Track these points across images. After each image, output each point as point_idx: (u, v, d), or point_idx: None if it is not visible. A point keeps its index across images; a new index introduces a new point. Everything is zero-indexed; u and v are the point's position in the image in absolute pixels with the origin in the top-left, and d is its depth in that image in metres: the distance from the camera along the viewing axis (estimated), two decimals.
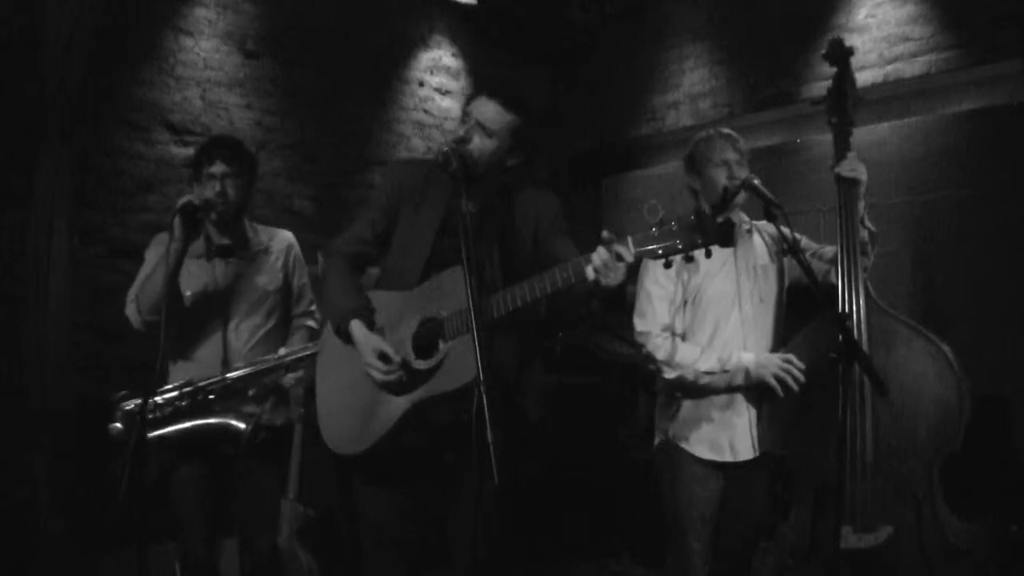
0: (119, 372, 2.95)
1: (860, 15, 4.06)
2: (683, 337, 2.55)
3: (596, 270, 1.83)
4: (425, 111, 5.14)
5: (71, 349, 3.62)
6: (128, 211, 4.03)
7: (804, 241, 2.60)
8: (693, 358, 2.47)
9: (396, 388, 2.10)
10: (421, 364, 2.07)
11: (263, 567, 2.80)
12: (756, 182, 2.36)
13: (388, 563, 2.28)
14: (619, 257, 1.81)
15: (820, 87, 2.89)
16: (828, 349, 2.11)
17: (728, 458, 2.50)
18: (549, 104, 5.43)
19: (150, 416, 2.47)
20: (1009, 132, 3.56)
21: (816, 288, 2.27)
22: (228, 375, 2.64)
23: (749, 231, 2.63)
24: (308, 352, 2.68)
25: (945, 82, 3.86)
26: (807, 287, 2.39)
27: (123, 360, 3.27)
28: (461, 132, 2.18)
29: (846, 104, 2.48)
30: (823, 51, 2.55)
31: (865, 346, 2.27)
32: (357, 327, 2.16)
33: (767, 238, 2.64)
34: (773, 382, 2.39)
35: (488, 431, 1.72)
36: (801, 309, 2.58)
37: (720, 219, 1.80)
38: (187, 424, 2.59)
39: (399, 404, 2.10)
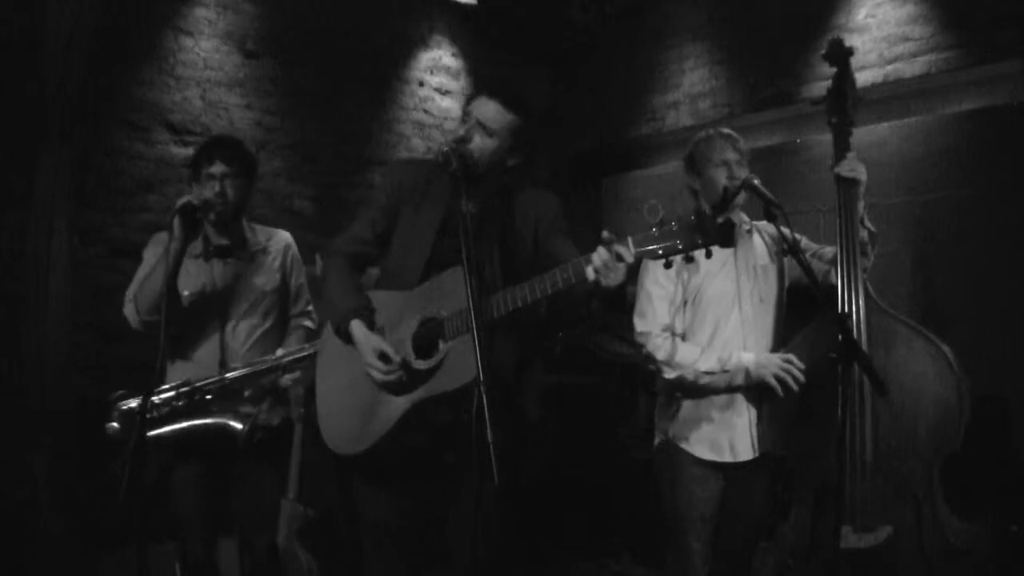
0: (119, 372, 2.95)
1: (860, 15, 4.06)
2: (683, 337, 2.55)
3: (596, 270, 1.83)
4: (425, 111, 5.14)
5: (71, 349, 3.62)
6: (128, 211, 4.03)
7: (804, 241, 2.60)
8: (693, 358, 2.47)
9: (396, 388, 2.10)
10: (421, 364, 2.07)
11: (262, 567, 2.80)
12: (756, 182, 2.36)
13: (388, 563, 2.28)
14: (619, 257, 1.81)
15: (820, 87, 2.89)
16: (828, 349, 2.10)
17: (728, 458, 2.50)
18: (549, 104, 5.43)
19: (137, 416, 2.46)
20: (1009, 132, 3.56)
21: (816, 288, 2.27)
22: (225, 375, 2.64)
23: (749, 231, 2.63)
24: (305, 353, 2.68)
25: (945, 82, 3.86)
26: (807, 287, 2.39)
27: (123, 360, 3.27)
28: (461, 131, 2.18)
29: (846, 104, 2.48)
30: (823, 51, 2.55)
31: (865, 346, 2.27)
32: (357, 327, 2.16)
33: (767, 238, 2.64)
34: (773, 382, 2.39)
35: (488, 431, 1.72)
36: (801, 309, 2.58)
37: (720, 219, 1.80)
38: (184, 424, 2.59)
39: (399, 404, 2.10)
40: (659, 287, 2.54)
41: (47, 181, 3.57)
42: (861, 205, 2.43)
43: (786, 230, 2.25)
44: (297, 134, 4.60)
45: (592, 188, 5.61)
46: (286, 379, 2.72)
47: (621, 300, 1.96)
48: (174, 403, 2.60)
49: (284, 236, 2.93)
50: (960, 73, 3.78)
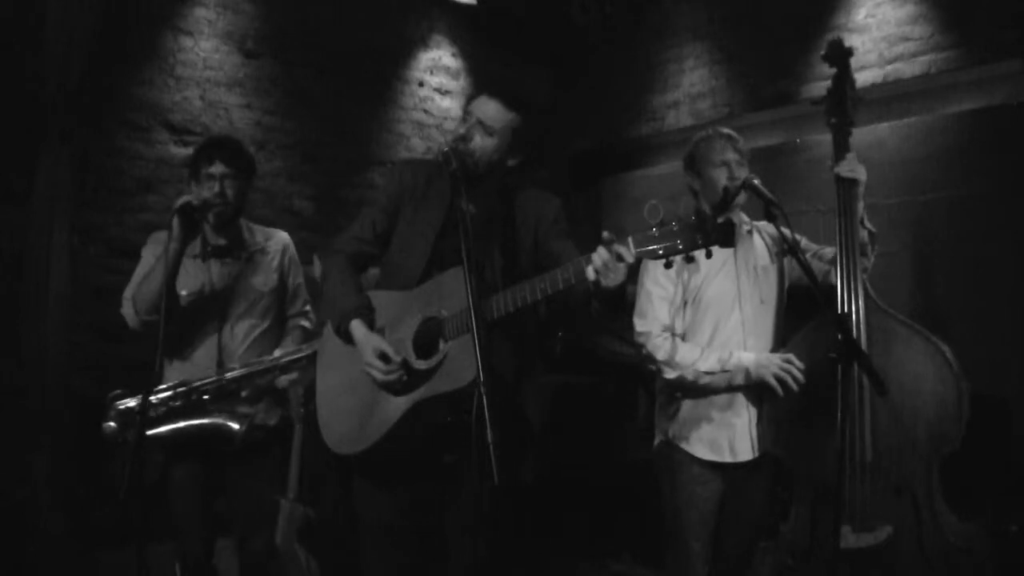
0: (119, 372, 2.95)
1: (860, 15, 4.06)
2: (683, 337, 2.55)
3: (596, 270, 1.83)
4: (425, 111, 5.14)
5: (71, 349, 3.62)
6: (128, 211, 4.03)
7: (804, 242, 2.60)
8: (693, 358, 2.47)
9: (396, 388, 2.10)
10: (421, 364, 2.07)
11: (259, 567, 2.80)
12: (756, 182, 2.36)
13: (388, 563, 2.28)
14: (620, 257, 1.81)
15: (820, 87, 2.89)
16: (828, 349, 2.10)
17: (728, 458, 2.50)
18: (549, 104, 5.43)
19: (137, 416, 2.47)
20: (1009, 132, 3.56)
21: (816, 288, 2.27)
22: (223, 376, 2.64)
23: (749, 232, 2.63)
24: (302, 354, 2.69)
25: (945, 82, 3.86)
26: (807, 287, 2.40)
27: (123, 360, 3.27)
28: (462, 130, 2.18)
29: (845, 104, 2.49)
30: (822, 52, 2.56)
31: (864, 346, 2.28)
32: (357, 327, 2.16)
33: (767, 239, 2.64)
34: (773, 382, 2.39)
35: (488, 431, 1.72)
36: (801, 309, 2.58)
37: (720, 219, 1.79)
38: (181, 424, 2.60)
39: (399, 404, 2.10)
40: (659, 287, 2.54)
41: (47, 181, 3.57)
42: (861, 205, 2.43)
43: (786, 230, 2.25)
44: (297, 134, 4.60)
45: (592, 188, 5.60)
46: (283, 380, 2.72)
47: (621, 301, 1.96)
48: (171, 403, 2.60)
49: (282, 236, 2.93)
50: (960, 73, 3.78)
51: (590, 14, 5.35)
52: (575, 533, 4.01)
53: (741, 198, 2.48)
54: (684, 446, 2.52)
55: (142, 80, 4.10)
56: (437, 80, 5.20)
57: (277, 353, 2.73)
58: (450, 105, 5.21)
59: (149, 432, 2.51)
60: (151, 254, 2.73)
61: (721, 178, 2.49)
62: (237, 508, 2.77)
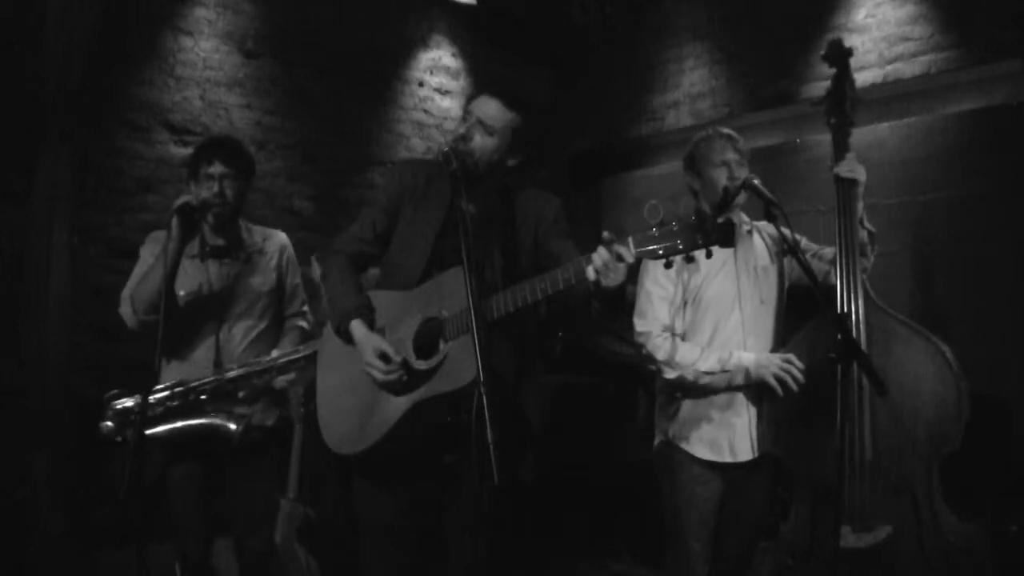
0: (119, 372, 2.94)
1: (860, 15, 4.06)
2: (683, 337, 2.55)
3: (597, 270, 1.83)
4: (425, 111, 5.14)
5: (71, 349, 3.62)
6: (128, 211, 4.03)
7: (804, 242, 2.60)
8: (693, 358, 2.47)
9: (396, 388, 2.10)
10: (421, 364, 2.07)
11: (257, 567, 2.80)
12: (756, 182, 2.36)
13: (387, 563, 2.28)
14: (620, 257, 1.81)
15: (820, 87, 2.90)
16: (828, 349, 2.10)
17: (728, 459, 2.50)
18: (549, 104, 5.43)
19: (136, 416, 2.47)
20: (1009, 132, 3.56)
21: (816, 289, 2.27)
22: (220, 376, 2.64)
23: (749, 232, 2.63)
24: (300, 355, 2.70)
25: (945, 82, 3.86)
26: (807, 287, 2.40)
27: (123, 360, 3.27)
28: (462, 130, 2.19)
29: (845, 105, 2.49)
30: (822, 52, 2.55)
31: (864, 346, 2.28)
32: (357, 327, 2.16)
33: (767, 239, 2.64)
34: (773, 382, 2.39)
35: (488, 431, 1.72)
36: (801, 309, 2.58)
37: (720, 219, 1.79)
38: (178, 424, 2.60)
39: (399, 404, 2.10)
40: (659, 287, 2.54)
41: (47, 181, 3.57)
42: (860, 205, 2.43)
43: (786, 230, 2.25)
44: (297, 134, 4.60)
45: (592, 188, 5.61)
46: (280, 380, 2.72)
47: (621, 300, 1.96)
48: (168, 403, 2.60)
49: (280, 237, 2.93)
50: (960, 73, 3.78)
51: (590, 14, 5.35)
52: (575, 533, 4.01)
53: (741, 198, 2.48)
54: (684, 446, 2.52)
55: (142, 80, 4.10)
56: (437, 80, 5.20)
57: (275, 354, 2.73)
58: (450, 105, 5.21)
59: (147, 432, 2.51)
60: (149, 253, 2.72)
61: (721, 178, 2.49)
62: (235, 508, 2.77)
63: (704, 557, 2.52)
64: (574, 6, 5.38)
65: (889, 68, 3.95)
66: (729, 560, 2.55)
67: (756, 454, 2.50)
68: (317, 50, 4.66)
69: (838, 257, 2.38)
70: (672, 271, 2.46)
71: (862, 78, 3.86)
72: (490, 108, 2.19)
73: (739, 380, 2.45)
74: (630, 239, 1.81)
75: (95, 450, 2.64)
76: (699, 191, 2.59)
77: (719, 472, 2.51)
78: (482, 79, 5.20)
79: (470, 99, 2.26)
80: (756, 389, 2.47)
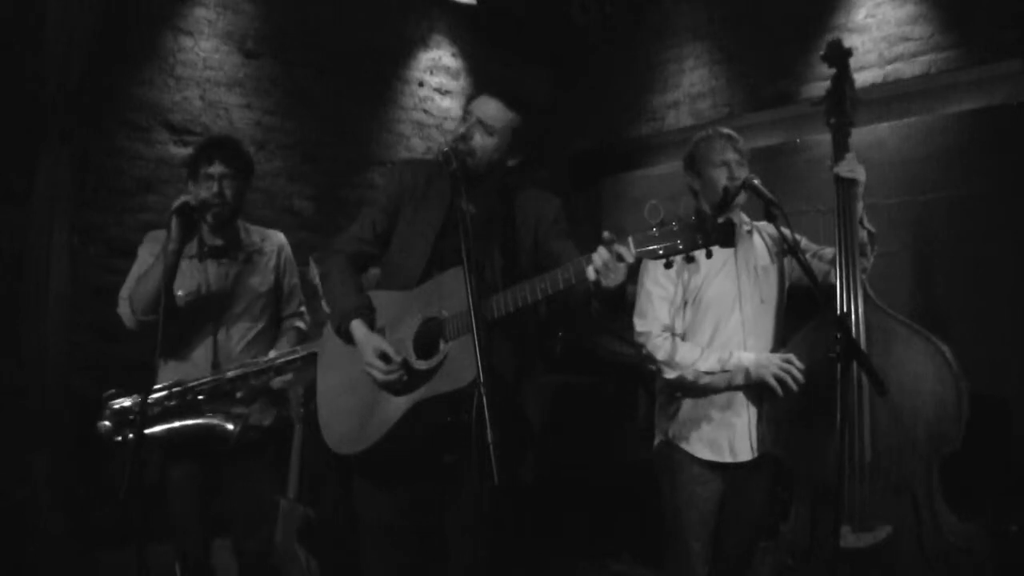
0: (119, 372, 2.95)
1: (860, 15, 4.06)
2: (683, 337, 2.55)
3: (597, 270, 1.83)
4: (425, 111, 5.14)
5: (71, 349, 3.62)
6: (128, 211, 4.03)
7: (804, 242, 2.60)
8: (693, 358, 2.47)
9: (396, 388, 2.10)
10: (422, 364, 2.07)
11: (254, 568, 2.80)
12: (756, 182, 2.36)
13: (387, 563, 2.28)
14: (620, 257, 1.81)
15: (820, 87, 2.89)
16: (828, 349, 2.10)
17: (728, 459, 2.50)
18: (549, 104, 5.43)
19: (138, 416, 2.47)
20: (1009, 132, 3.56)
21: (816, 289, 2.27)
22: (218, 376, 2.64)
23: (749, 232, 2.63)
24: (297, 355, 2.70)
25: (945, 82, 3.86)
26: (807, 287, 2.40)
27: (123, 360, 3.27)
28: (462, 129, 2.18)
29: (845, 105, 2.49)
30: (822, 52, 2.56)
31: (864, 346, 2.28)
32: (358, 327, 2.16)
33: (767, 239, 2.64)
34: (773, 382, 2.39)
35: (488, 431, 1.72)
36: (801, 309, 2.58)
37: (720, 219, 1.79)
38: (176, 424, 2.60)
39: (399, 404, 2.10)
40: (659, 287, 2.54)
41: (47, 181, 3.57)
42: (860, 205, 2.43)
43: (786, 230, 2.25)
44: (297, 134, 4.60)
45: (592, 188, 5.61)
46: (278, 381, 2.72)
47: (621, 300, 1.96)
48: (166, 403, 2.60)
49: (278, 237, 2.93)
50: (960, 73, 3.78)
51: (590, 14, 5.35)
52: (575, 533, 4.01)
53: (741, 198, 2.48)
54: (684, 446, 2.52)
55: (142, 80, 4.10)
56: (437, 80, 5.20)
57: (272, 354, 2.73)
58: (450, 105, 5.21)
59: (145, 431, 2.51)
60: (148, 253, 2.72)
61: (721, 178, 2.49)
62: (233, 508, 2.78)
63: (704, 557, 2.52)
64: (574, 6, 5.38)
65: (889, 68, 3.95)
66: (729, 560, 2.55)
67: (756, 454, 2.50)
68: (317, 50, 4.65)
69: (838, 257, 2.38)
70: (672, 271, 2.46)
71: (862, 78, 3.86)
72: (490, 108, 2.19)
73: (739, 380, 2.45)
74: (630, 239, 1.81)
75: (95, 450, 2.64)
76: (699, 191, 2.59)
77: (719, 472, 2.51)
78: (482, 79, 5.20)
79: (470, 99, 2.26)
80: (756, 389, 2.47)
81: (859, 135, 2.52)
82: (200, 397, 2.62)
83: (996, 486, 2.92)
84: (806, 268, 2.23)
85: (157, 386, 2.60)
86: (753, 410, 2.50)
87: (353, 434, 2.18)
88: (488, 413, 1.73)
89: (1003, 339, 3.46)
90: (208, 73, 4.30)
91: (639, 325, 2.55)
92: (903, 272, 3.80)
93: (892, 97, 4.02)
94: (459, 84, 5.27)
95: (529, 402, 2.22)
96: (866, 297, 2.35)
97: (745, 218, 2.64)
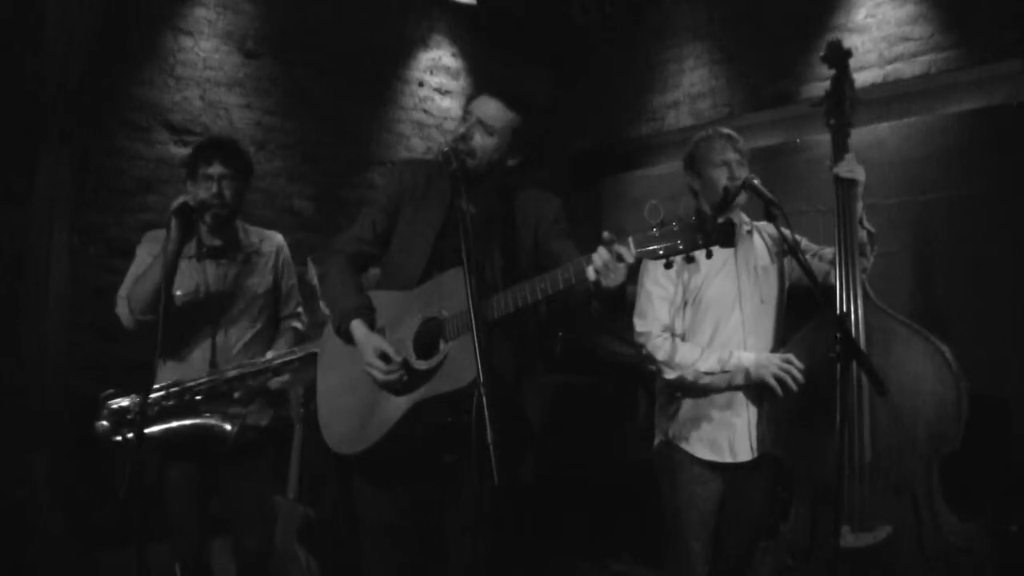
0: (119, 372, 2.94)
1: (860, 15, 4.06)
2: (683, 337, 2.55)
3: (597, 271, 1.83)
4: (425, 111, 5.14)
5: (71, 349, 3.62)
6: (128, 211, 4.03)
7: (804, 242, 2.60)
8: (693, 358, 2.47)
9: (396, 388, 2.10)
10: (422, 364, 2.07)
11: (252, 568, 2.80)
12: (756, 182, 2.36)
13: (387, 563, 2.28)
14: (620, 258, 1.81)
15: (820, 87, 2.89)
16: (828, 349, 2.10)
17: (728, 459, 2.50)
18: (549, 104, 5.43)
19: (138, 415, 2.47)
20: (1009, 132, 3.56)
21: (816, 289, 2.27)
22: (215, 377, 2.64)
23: (750, 232, 2.63)
24: (294, 356, 2.70)
25: (945, 82, 3.86)
26: (807, 287, 2.40)
27: (123, 360, 3.27)
28: (462, 129, 2.18)
29: (844, 105, 2.49)
30: (821, 53, 2.56)
31: (864, 346, 2.28)
32: (358, 327, 2.16)
33: (767, 239, 2.64)
34: (773, 382, 2.39)
35: (488, 431, 1.72)
36: (801, 309, 2.58)
37: (720, 219, 1.79)
38: (174, 424, 2.60)
39: (399, 404, 2.10)
40: (659, 287, 2.54)
41: (47, 181, 3.57)
42: (860, 206, 2.43)
43: (786, 230, 2.25)
44: (297, 134, 4.60)
45: (592, 188, 5.61)
46: (275, 382, 2.72)
47: (621, 300, 1.96)
48: (164, 403, 2.60)
49: (276, 238, 2.93)
50: (960, 73, 3.78)
51: (590, 14, 5.35)
52: (575, 533, 4.01)
53: (741, 198, 2.48)
54: (684, 446, 2.52)
55: (142, 80, 4.10)
56: (437, 80, 5.20)
57: (270, 355, 2.74)
58: (450, 105, 5.21)
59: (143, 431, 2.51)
60: (146, 252, 2.72)
61: (721, 178, 2.49)
62: (232, 508, 2.78)
63: (704, 557, 2.52)
64: (574, 6, 5.38)
65: (889, 68, 3.95)
66: (729, 560, 2.55)
67: (756, 454, 2.50)
68: (317, 50, 4.65)
69: (838, 257, 2.38)
70: (672, 271, 2.46)
71: (862, 78, 3.86)
72: (490, 108, 2.19)
73: (739, 380, 2.45)
74: (630, 239, 1.81)
75: (95, 450, 2.65)
76: (699, 191, 2.59)
77: (719, 472, 2.51)
78: (482, 79, 5.20)
79: (470, 99, 2.26)
80: (756, 389, 2.47)
81: (859, 135, 2.52)
82: (198, 397, 2.62)
83: (996, 486, 2.92)
84: (806, 268, 2.23)
85: (155, 386, 2.60)
86: (753, 410, 2.50)
87: (353, 434, 2.18)
88: (488, 413, 1.73)
89: (1003, 339, 3.46)
90: (208, 73, 4.30)
91: (639, 325, 2.55)
92: (903, 272, 3.80)
93: (892, 97, 4.02)
94: (459, 84, 5.27)
95: (529, 402, 2.22)
96: (866, 297, 2.35)
97: (745, 218, 2.64)
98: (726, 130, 2.59)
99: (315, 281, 2.99)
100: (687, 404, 2.53)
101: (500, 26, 5.30)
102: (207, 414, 2.61)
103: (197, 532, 2.72)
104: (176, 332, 2.65)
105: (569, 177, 5.53)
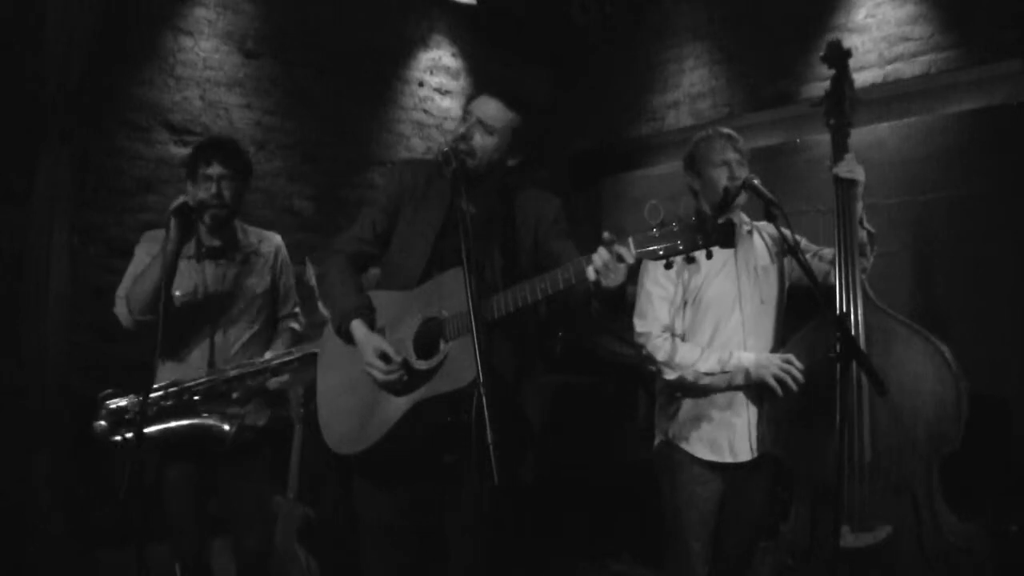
0: (119, 372, 2.95)
1: (860, 15, 4.06)
2: (683, 338, 2.54)
3: (597, 271, 1.83)
4: (425, 111, 5.14)
5: (71, 349, 3.62)
6: (128, 211, 4.03)
7: (804, 242, 2.60)
8: (693, 359, 2.47)
9: (396, 388, 2.10)
10: (422, 364, 2.07)
11: (252, 568, 2.80)
12: (756, 182, 2.36)
13: (387, 563, 2.28)
14: (620, 258, 1.81)
15: (820, 87, 2.89)
16: (828, 349, 2.11)
17: (728, 459, 2.50)
18: (549, 104, 5.43)
19: (137, 415, 2.47)
20: (1009, 132, 3.56)
21: (816, 289, 2.27)
22: (214, 377, 2.64)
23: (750, 232, 2.63)
24: (292, 356, 2.70)
25: (945, 82, 3.86)
26: (807, 287, 2.40)
27: (123, 360, 3.27)
28: (462, 130, 2.18)
29: (844, 105, 2.48)
30: (821, 53, 2.55)
31: (864, 346, 2.28)
32: (358, 327, 2.16)
33: (767, 239, 2.64)
34: (773, 382, 2.39)
35: (488, 431, 1.72)
36: (801, 309, 2.58)
37: (721, 220, 1.79)
38: (172, 424, 2.60)
39: (399, 404, 2.10)
40: (659, 287, 2.54)
41: (47, 181, 3.57)
42: (859, 206, 2.43)
43: (786, 231, 2.25)
44: (297, 134, 4.60)
45: (592, 188, 5.61)
46: (273, 382, 2.72)
47: (621, 300, 1.96)
48: (162, 403, 2.60)
49: (275, 238, 2.93)
50: (960, 73, 3.78)
51: (590, 14, 5.35)
52: (575, 533, 4.01)
53: (741, 198, 2.48)
54: (684, 446, 2.52)
55: (142, 80, 4.10)
56: (437, 80, 5.20)
57: (268, 355, 2.74)
58: (450, 105, 5.21)
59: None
60: (145, 252, 2.73)
61: (721, 178, 2.49)
62: (231, 508, 2.78)
63: (704, 557, 2.52)
64: (574, 6, 5.38)
65: (889, 68, 3.95)
66: (729, 560, 2.55)
67: (756, 454, 2.50)
68: (317, 50, 4.65)
69: (838, 257, 2.38)
70: (672, 271, 2.46)
71: (862, 78, 3.86)
72: (490, 108, 2.19)
73: (739, 380, 2.45)
74: (630, 239, 1.81)
75: (95, 450, 2.65)
76: (699, 191, 2.59)
77: (719, 472, 2.51)
78: (482, 79, 5.20)
79: (470, 99, 2.26)
80: (756, 389, 2.47)
81: (859, 135, 2.52)
82: (196, 398, 2.62)
83: (996, 486, 2.92)
84: (806, 268, 2.23)
85: (154, 386, 2.60)
86: (753, 410, 2.50)
87: (353, 434, 2.18)
88: (488, 413, 1.73)
89: (1003, 339, 3.46)
90: (208, 73, 4.30)
91: (639, 326, 2.55)
92: (903, 272, 3.80)
93: (892, 97, 4.02)
94: (459, 84, 5.27)
95: (529, 402, 2.22)
96: (866, 297, 2.35)
97: (745, 218, 2.64)
98: (726, 130, 2.59)
99: (312, 281, 2.99)
100: (687, 404, 2.53)
101: (500, 26, 5.30)
102: (205, 414, 2.61)
103: (196, 532, 2.72)
104: (175, 332, 2.65)
105: (569, 177, 5.53)
